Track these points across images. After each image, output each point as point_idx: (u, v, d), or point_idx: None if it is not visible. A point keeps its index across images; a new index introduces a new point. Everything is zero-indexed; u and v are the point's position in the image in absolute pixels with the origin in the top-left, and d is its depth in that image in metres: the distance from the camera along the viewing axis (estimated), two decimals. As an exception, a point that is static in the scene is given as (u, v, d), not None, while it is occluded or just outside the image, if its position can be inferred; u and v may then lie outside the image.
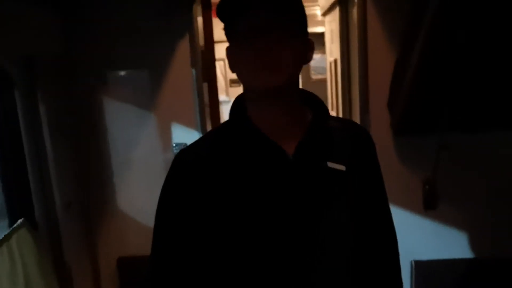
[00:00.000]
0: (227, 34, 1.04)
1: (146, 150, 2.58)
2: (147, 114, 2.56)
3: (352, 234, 1.08)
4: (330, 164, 1.06)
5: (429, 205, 2.46)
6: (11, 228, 1.91)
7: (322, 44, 5.02)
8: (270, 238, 1.02)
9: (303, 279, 1.03)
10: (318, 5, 4.78)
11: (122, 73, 2.54)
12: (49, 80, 2.24)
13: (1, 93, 1.94)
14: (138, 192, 2.57)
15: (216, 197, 1.04)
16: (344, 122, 1.27)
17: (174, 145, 2.55)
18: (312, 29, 5.71)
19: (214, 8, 2.71)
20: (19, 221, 1.98)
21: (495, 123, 2.30)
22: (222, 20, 1.03)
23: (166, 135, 2.56)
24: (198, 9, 2.60)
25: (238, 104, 1.11)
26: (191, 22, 2.49)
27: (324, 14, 4.41)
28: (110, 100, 2.54)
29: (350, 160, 1.08)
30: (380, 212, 1.17)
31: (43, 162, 2.16)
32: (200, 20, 2.62)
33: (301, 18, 1.03)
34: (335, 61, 3.80)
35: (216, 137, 1.14)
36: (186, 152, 1.13)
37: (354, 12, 2.64)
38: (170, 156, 2.49)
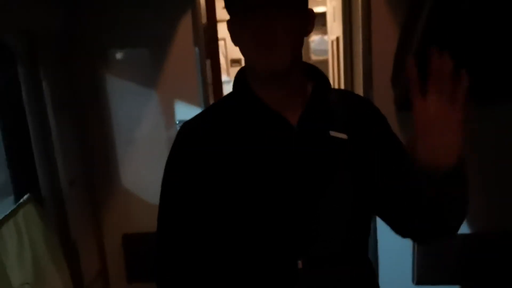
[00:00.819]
0: (227, 8, 1.04)
1: (149, 128, 2.58)
2: (150, 92, 2.55)
3: (353, 201, 1.09)
4: (333, 133, 1.07)
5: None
6: (17, 204, 1.93)
7: (323, 24, 4.99)
8: (275, 205, 1.04)
9: (306, 244, 1.05)
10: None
11: (125, 50, 2.53)
12: (52, 56, 2.23)
13: (3, 67, 1.93)
14: (142, 169, 2.58)
15: (221, 167, 1.05)
16: (346, 94, 1.30)
17: (177, 122, 2.55)
18: (314, 8, 5.63)
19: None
20: (25, 196, 2.00)
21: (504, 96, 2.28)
22: None
23: (169, 112, 2.56)
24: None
25: (240, 78, 1.11)
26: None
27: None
28: (112, 77, 2.53)
29: (352, 129, 1.09)
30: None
31: (47, 139, 2.16)
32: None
33: None
34: (337, 39, 3.78)
35: (220, 110, 1.16)
36: (190, 124, 1.15)
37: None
38: (173, 133, 2.46)
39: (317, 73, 1.13)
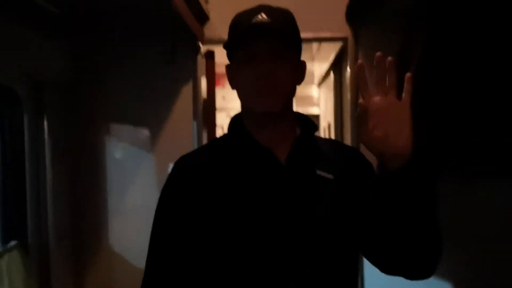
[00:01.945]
0: (229, 55, 1.16)
1: (142, 190, 2.63)
2: (146, 154, 2.65)
3: (339, 238, 1.13)
4: (319, 172, 1.15)
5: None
6: (3, 248, 1.93)
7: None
8: (263, 237, 1.08)
9: (293, 280, 1.07)
10: (315, 84, 5.03)
11: (125, 111, 2.66)
12: (56, 107, 2.35)
13: (9, 113, 2.05)
14: (131, 231, 2.58)
15: (213, 200, 1.10)
16: (333, 141, 1.39)
17: (170, 185, 2.60)
18: (309, 110, 5.90)
19: (216, 60, 2.93)
20: (12, 242, 2.00)
21: (490, 171, 2.34)
22: (226, 48, 1.15)
23: (163, 176, 2.61)
24: (202, 61, 2.80)
25: (235, 120, 1.21)
26: (195, 72, 2.68)
27: (319, 84, 4.67)
28: (111, 136, 2.64)
29: (337, 171, 1.17)
30: None
31: (42, 189, 2.21)
32: (202, 70, 2.80)
33: (297, 44, 1.15)
34: (329, 125, 3.98)
35: (214, 146, 1.24)
36: (185, 158, 1.22)
37: (347, 76, 2.85)
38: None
39: (305, 119, 1.24)
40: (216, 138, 1.31)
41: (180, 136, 2.67)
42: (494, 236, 2.38)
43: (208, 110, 2.88)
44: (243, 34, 1.09)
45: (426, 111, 2.15)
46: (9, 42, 1.88)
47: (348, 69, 2.73)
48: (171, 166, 2.76)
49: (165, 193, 1.18)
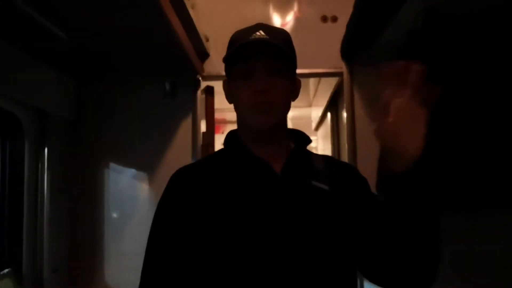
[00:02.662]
0: (227, 72, 1.21)
1: (140, 223, 2.61)
2: (146, 187, 2.65)
3: (334, 249, 1.13)
4: (314, 183, 1.17)
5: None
6: (-3, 274, 1.89)
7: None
8: (259, 248, 1.08)
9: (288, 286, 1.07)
10: (312, 129, 5.06)
11: (126, 146, 2.69)
12: (59, 139, 2.38)
13: (11, 140, 2.07)
14: (127, 265, 2.53)
15: (209, 210, 1.12)
16: (328, 156, 1.40)
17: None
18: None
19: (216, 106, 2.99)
20: (6, 270, 1.96)
21: (494, 201, 2.34)
22: (224, 63, 1.20)
23: (161, 208, 2.62)
24: (201, 97, 2.86)
25: (232, 135, 1.25)
26: (195, 107, 2.74)
27: (317, 128, 4.73)
28: (111, 170, 2.65)
29: (333, 184, 1.18)
30: None
31: (39, 219, 2.20)
32: (202, 105, 2.85)
33: (292, 61, 1.20)
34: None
35: (211, 159, 1.27)
36: (183, 170, 1.24)
37: (343, 115, 2.91)
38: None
39: (299, 133, 1.28)
40: (213, 153, 1.33)
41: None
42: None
43: (207, 145, 2.91)
44: (242, 49, 1.12)
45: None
46: (15, 68, 1.94)
47: (345, 107, 2.78)
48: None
49: (163, 202, 1.19)
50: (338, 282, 1.13)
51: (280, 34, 1.18)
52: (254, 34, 1.14)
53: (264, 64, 1.12)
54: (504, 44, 2.09)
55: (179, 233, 1.12)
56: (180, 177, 1.21)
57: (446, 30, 2.06)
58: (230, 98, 1.21)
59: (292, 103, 1.23)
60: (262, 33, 1.14)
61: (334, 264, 1.12)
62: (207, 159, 1.31)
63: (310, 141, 1.27)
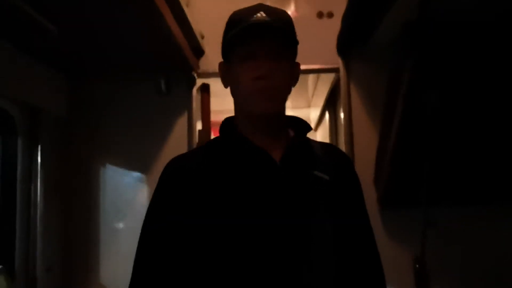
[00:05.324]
0: (225, 54, 1.15)
1: (135, 221, 2.56)
2: (140, 185, 2.62)
3: (335, 239, 1.10)
4: (315, 172, 1.13)
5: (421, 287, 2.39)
6: (-12, 271, 1.87)
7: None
8: (259, 237, 1.04)
9: (290, 281, 1.03)
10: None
11: (120, 144, 2.67)
12: (52, 136, 2.36)
13: (3, 137, 2.05)
14: (122, 263, 2.49)
15: (206, 200, 1.07)
16: (327, 144, 1.35)
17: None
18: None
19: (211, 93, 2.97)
20: (-2, 267, 1.94)
21: (484, 196, 2.35)
22: (223, 46, 1.14)
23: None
24: (197, 94, 2.84)
25: (227, 123, 1.19)
26: (190, 104, 2.72)
27: (316, 128, 4.71)
28: (106, 168, 2.63)
29: (332, 173, 1.15)
30: (362, 227, 1.20)
31: (32, 217, 2.17)
32: (197, 102, 2.83)
33: (293, 43, 1.14)
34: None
35: (207, 148, 1.20)
36: (177, 159, 1.19)
37: (341, 111, 2.89)
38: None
39: (299, 120, 1.22)
40: (209, 141, 1.26)
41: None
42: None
43: (203, 143, 2.88)
44: (243, 32, 1.06)
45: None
46: (6, 64, 1.92)
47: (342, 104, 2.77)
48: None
49: (157, 193, 1.14)
50: (339, 273, 1.09)
51: (281, 15, 1.13)
52: (255, 16, 1.08)
53: (267, 48, 1.07)
54: (498, 40, 2.07)
55: (175, 225, 1.07)
56: (175, 166, 1.15)
57: (440, 23, 2.05)
58: (226, 82, 1.16)
59: (291, 104, 1.18)
60: (263, 14, 1.08)
61: (336, 254, 1.09)
62: (202, 148, 1.24)
63: (310, 128, 1.21)
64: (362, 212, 1.20)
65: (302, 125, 1.20)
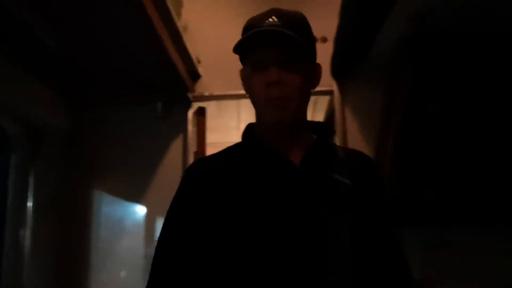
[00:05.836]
0: (242, 59, 1.14)
1: (129, 243, 2.57)
2: (135, 207, 2.61)
3: (352, 243, 1.07)
4: (335, 176, 1.11)
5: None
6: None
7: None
8: (280, 241, 1.03)
9: (305, 282, 1.01)
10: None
11: (116, 166, 2.67)
12: (47, 156, 2.37)
13: (-2, 155, 2.07)
14: (115, 285, 2.47)
15: (227, 205, 1.06)
16: (350, 149, 1.33)
17: (156, 239, 2.54)
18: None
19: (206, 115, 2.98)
20: (-16, 287, 1.91)
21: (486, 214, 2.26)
22: (238, 53, 1.13)
23: (150, 229, 2.58)
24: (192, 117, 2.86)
25: (249, 128, 1.20)
26: (186, 127, 2.74)
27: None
28: (101, 190, 2.62)
29: (354, 177, 1.12)
30: (383, 232, 1.16)
31: (20, 240, 2.15)
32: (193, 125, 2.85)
33: (310, 46, 1.10)
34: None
35: (229, 153, 1.19)
36: (199, 163, 1.20)
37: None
38: (151, 252, 2.47)
39: (321, 125, 1.21)
40: (230, 146, 1.24)
41: (170, 191, 2.64)
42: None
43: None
44: (251, 40, 1.05)
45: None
46: (8, 84, 1.94)
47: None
48: (160, 220, 2.74)
49: (179, 196, 1.13)
50: (360, 277, 1.06)
51: (295, 19, 1.10)
52: (267, 21, 1.07)
53: (277, 54, 1.05)
54: (494, 51, 2.08)
55: (196, 229, 1.06)
56: (197, 170, 1.15)
57: (435, 36, 2.06)
58: (246, 88, 1.15)
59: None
60: (275, 19, 1.06)
61: (359, 257, 1.06)
62: (224, 152, 1.22)
63: (333, 132, 1.21)
64: (384, 217, 1.16)
65: (325, 129, 1.20)
